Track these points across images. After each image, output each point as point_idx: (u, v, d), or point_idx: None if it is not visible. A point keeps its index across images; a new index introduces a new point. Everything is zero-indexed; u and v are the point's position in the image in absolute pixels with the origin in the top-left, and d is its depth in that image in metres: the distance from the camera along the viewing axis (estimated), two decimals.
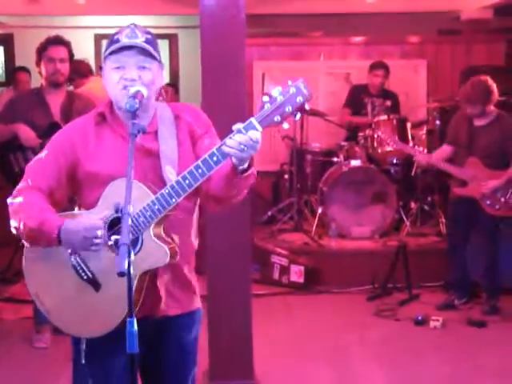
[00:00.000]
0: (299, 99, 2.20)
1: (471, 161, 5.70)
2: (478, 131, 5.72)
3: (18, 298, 6.12)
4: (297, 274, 6.60)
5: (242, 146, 2.19)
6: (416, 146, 6.60)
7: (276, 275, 6.69)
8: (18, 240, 2.54)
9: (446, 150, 5.96)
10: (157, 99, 2.56)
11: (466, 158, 5.73)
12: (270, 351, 4.97)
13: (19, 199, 2.47)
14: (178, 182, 2.29)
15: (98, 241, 2.32)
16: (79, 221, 2.37)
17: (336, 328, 5.57)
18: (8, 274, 6.75)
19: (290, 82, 2.22)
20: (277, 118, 2.21)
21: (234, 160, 2.25)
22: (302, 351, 5.10)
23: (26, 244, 2.52)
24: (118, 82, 2.41)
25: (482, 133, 5.69)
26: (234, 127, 2.23)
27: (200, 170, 2.26)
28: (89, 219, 2.36)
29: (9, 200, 2.51)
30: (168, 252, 2.35)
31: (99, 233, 2.31)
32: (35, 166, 2.55)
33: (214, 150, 2.25)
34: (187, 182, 2.28)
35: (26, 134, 4.87)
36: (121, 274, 1.99)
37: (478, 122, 5.73)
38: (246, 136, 2.19)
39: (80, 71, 6.11)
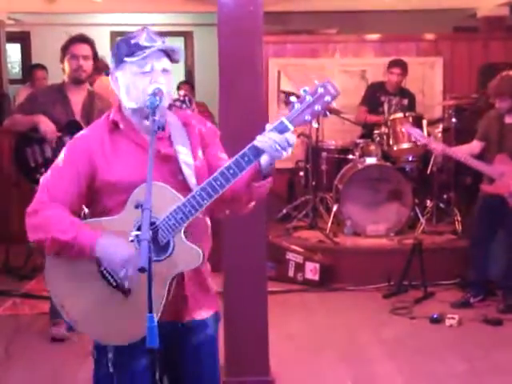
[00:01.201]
0: (327, 98, 2.23)
1: (500, 158, 5.67)
2: (508, 128, 5.70)
3: (34, 293, 6.17)
4: (312, 271, 6.60)
5: (276, 146, 2.21)
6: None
7: (291, 272, 6.69)
8: None
9: (475, 145, 5.92)
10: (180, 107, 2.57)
11: (496, 155, 5.71)
12: (285, 348, 4.98)
13: (43, 213, 2.43)
14: (209, 184, 2.28)
15: (130, 271, 2.32)
16: (117, 240, 2.35)
17: (351, 325, 5.57)
18: (24, 270, 6.80)
19: (316, 82, 2.24)
20: (307, 117, 2.24)
21: (261, 161, 2.28)
22: (317, 348, 5.10)
23: (47, 259, 2.49)
24: (147, 87, 2.39)
25: None
26: (266, 127, 2.25)
27: (231, 171, 2.26)
28: (128, 245, 2.33)
29: (29, 212, 2.46)
30: (201, 253, 2.35)
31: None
32: (54, 176, 2.50)
33: (246, 150, 2.26)
34: (219, 183, 2.27)
35: (46, 125, 4.90)
36: (142, 270, 1.99)
37: (508, 120, 5.72)
38: (281, 136, 2.22)
39: (98, 68, 6.13)
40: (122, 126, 2.50)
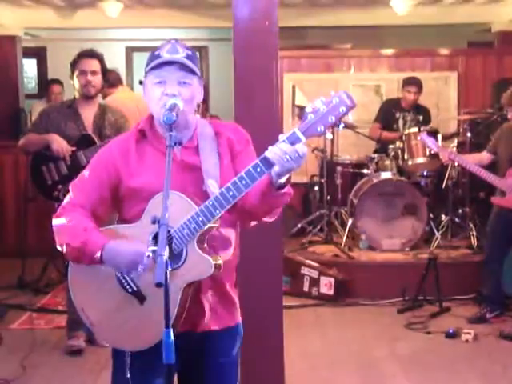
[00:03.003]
0: (342, 109, 2.18)
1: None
2: None
3: (50, 307, 6.20)
4: (327, 286, 6.59)
5: (287, 157, 2.18)
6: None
7: (306, 287, 6.68)
8: (50, 251, 2.56)
9: (485, 156, 5.92)
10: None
11: (508, 168, 5.70)
12: (300, 363, 4.97)
13: (63, 219, 2.51)
14: (221, 194, 2.29)
15: (141, 267, 2.33)
16: (125, 243, 2.39)
17: (367, 340, 5.55)
18: (39, 284, 6.82)
19: (332, 93, 2.21)
20: (320, 129, 2.20)
21: (273, 173, 2.24)
22: (332, 363, 5.08)
23: (70, 262, 2.55)
24: (160, 98, 2.43)
25: None
26: (279, 138, 2.22)
27: (244, 182, 2.26)
28: (135, 243, 2.37)
29: (54, 217, 2.54)
30: (212, 263, 2.35)
31: (145, 259, 2.31)
32: (79, 183, 2.58)
33: (258, 161, 2.25)
34: (231, 193, 2.27)
35: (59, 144, 4.93)
36: (159, 285, 2.00)
37: None
38: (292, 148, 2.18)
39: (109, 80, 6.19)
40: (148, 135, 2.54)
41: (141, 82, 2.59)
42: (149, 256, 2.28)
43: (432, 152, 6.50)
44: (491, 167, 5.91)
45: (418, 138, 6.77)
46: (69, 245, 2.45)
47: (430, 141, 6.23)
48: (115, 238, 2.46)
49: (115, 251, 2.38)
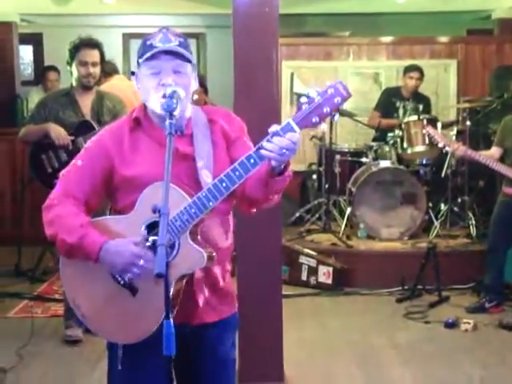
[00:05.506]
0: (337, 100, 2.16)
1: None
2: None
3: (47, 296, 6.18)
4: (325, 274, 6.57)
5: (282, 150, 2.16)
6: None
7: (304, 276, 6.66)
8: (46, 240, 2.51)
9: (495, 151, 5.84)
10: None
11: None
12: (298, 352, 4.95)
13: (55, 209, 2.44)
14: (215, 185, 2.26)
15: (138, 271, 2.31)
16: (123, 245, 2.33)
17: (365, 330, 5.53)
18: (37, 272, 6.78)
19: (328, 83, 2.18)
20: (315, 119, 2.17)
21: (273, 163, 2.22)
22: (331, 353, 5.07)
23: (61, 255, 2.50)
24: (156, 88, 2.39)
25: None
26: (271, 129, 2.19)
27: (237, 173, 2.23)
28: (133, 245, 2.32)
29: (44, 207, 2.48)
30: (205, 255, 2.32)
31: (141, 262, 2.29)
32: (70, 172, 2.52)
33: (252, 152, 2.22)
34: (224, 184, 2.24)
35: (57, 132, 4.90)
36: (159, 275, 1.95)
37: None
38: (285, 139, 2.16)
39: (104, 70, 6.14)
40: (143, 123, 2.49)
41: (133, 73, 2.54)
42: (150, 247, 2.26)
43: (439, 145, 6.33)
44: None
45: (424, 131, 6.67)
46: (63, 240, 2.39)
47: (436, 134, 6.08)
48: (108, 230, 2.41)
49: (113, 252, 2.34)
